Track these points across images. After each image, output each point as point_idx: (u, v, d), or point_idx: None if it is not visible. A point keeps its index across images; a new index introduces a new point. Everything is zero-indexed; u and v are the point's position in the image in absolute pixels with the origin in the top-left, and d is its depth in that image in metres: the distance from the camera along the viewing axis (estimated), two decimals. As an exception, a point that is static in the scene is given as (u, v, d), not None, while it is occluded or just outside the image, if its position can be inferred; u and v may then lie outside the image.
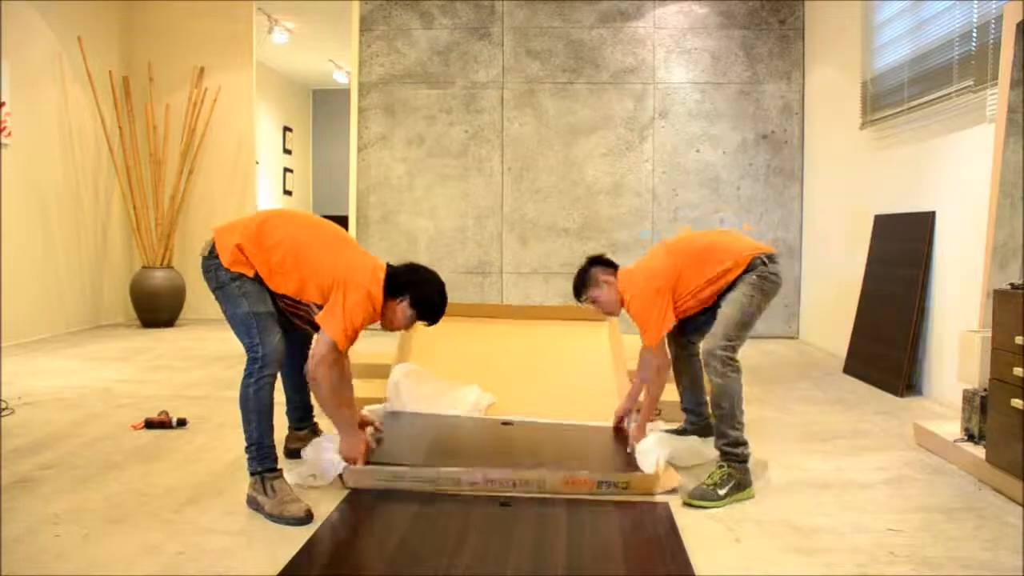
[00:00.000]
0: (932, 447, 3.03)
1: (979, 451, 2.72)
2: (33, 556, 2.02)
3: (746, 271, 2.75)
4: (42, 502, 2.40)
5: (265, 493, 2.35)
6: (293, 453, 2.80)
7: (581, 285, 2.96)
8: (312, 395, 2.65)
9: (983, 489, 2.60)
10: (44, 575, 1.92)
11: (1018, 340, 2.47)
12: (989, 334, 2.70)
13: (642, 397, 2.94)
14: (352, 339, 2.45)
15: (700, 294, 2.79)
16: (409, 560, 2.02)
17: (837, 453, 3.03)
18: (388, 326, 2.62)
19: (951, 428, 3.03)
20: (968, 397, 2.89)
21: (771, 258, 2.79)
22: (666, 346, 2.84)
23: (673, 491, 2.55)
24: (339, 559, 2.07)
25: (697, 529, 2.23)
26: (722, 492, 2.50)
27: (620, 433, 3.09)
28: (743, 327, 2.70)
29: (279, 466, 2.43)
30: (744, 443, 2.61)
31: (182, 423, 3.30)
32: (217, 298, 2.50)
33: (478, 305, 5.10)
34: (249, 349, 2.44)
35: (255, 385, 2.41)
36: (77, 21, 6.18)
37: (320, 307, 2.48)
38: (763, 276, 2.74)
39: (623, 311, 2.95)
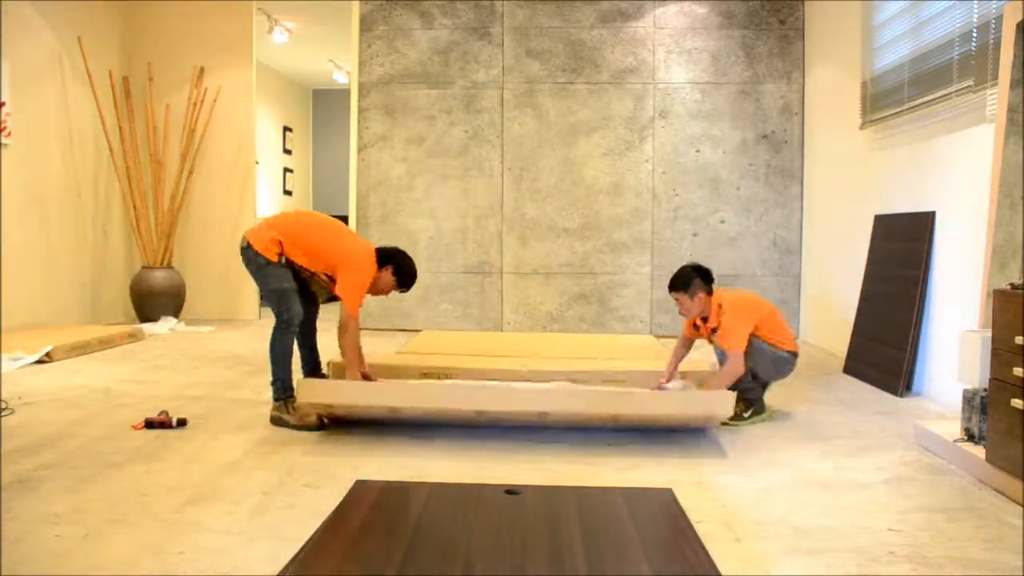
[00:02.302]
0: (932, 447, 3.03)
1: (979, 451, 2.72)
2: (33, 556, 2.02)
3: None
4: (42, 502, 2.40)
5: (288, 412, 3.29)
6: None
7: (681, 286, 3.53)
8: (338, 355, 3.61)
9: (983, 489, 2.60)
10: (44, 575, 1.92)
11: (1018, 340, 2.47)
12: (989, 334, 2.70)
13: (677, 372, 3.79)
14: (360, 303, 3.37)
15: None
16: (424, 554, 2.00)
17: (837, 453, 3.03)
18: (375, 291, 3.51)
19: (951, 428, 3.03)
20: (968, 397, 2.89)
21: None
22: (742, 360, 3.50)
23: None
24: (351, 552, 2.04)
25: (698, 528, 2.23)
26: (746, 415, 3.51)
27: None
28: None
29: (294, 394, 3.27)
30: (753, 386, 3.54)
31: (182, 423, 3.29)
32: (256, 278, 3.45)
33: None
34: (277, 314, 3.39)
35: (281, 337, 3.39)
36: (77, 21, 6.18)
37: (330, 277, 3.44)
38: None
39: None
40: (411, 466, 2.79)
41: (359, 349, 3.46)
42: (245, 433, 3.22)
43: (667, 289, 3.63)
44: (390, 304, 6.30)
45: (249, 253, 3.39)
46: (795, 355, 3.63)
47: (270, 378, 3.37)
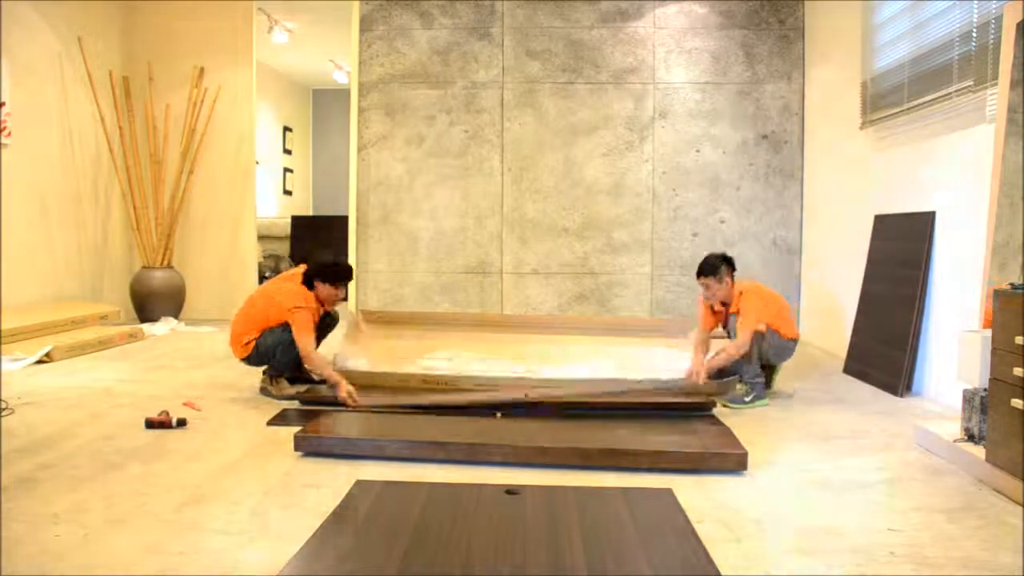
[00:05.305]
0: (932, 447, 3.03)
1: (979, 451, 2.72)
2: (33, 556, 2.02)
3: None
4: (42, 502, 2.40)
5: (271, 384, 3.89)
6: (293, 380, 4.00)
7: (712, 272, 3.91)
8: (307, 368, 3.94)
9: (983, 489, 2.60)
10: (44, 575, 1.92)
11: (1018, 340, 2.47)
12: (989, 334, 2.70)
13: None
14: (311, 332, 3.77)
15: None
16: (424, 554, 2.00)
17: (837, 453, 3.03)
18: (328, 304, 3.98)
19: (951, 428, 3.03)
20: (968, 397, 2.89)
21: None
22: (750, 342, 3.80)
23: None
24: (351, 552, 2.04)
25: (698, 528, 2.23)
26: (748, 399, 3.76)
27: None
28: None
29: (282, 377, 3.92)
30: (760, 375, 3.81)
31: (182, 423, 3.30)
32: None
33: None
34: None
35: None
36: (77, 21, 6.18)
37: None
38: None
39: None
40: (411, 467, 2.79)
41: (326, 363, 3.82)
42: (245, 433, 3.22)
43: (696, 276, 3.99)
44: (389, 304, 6.30)
45: (245, 360, 3.94)
46: (795, 341, 3.97)
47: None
